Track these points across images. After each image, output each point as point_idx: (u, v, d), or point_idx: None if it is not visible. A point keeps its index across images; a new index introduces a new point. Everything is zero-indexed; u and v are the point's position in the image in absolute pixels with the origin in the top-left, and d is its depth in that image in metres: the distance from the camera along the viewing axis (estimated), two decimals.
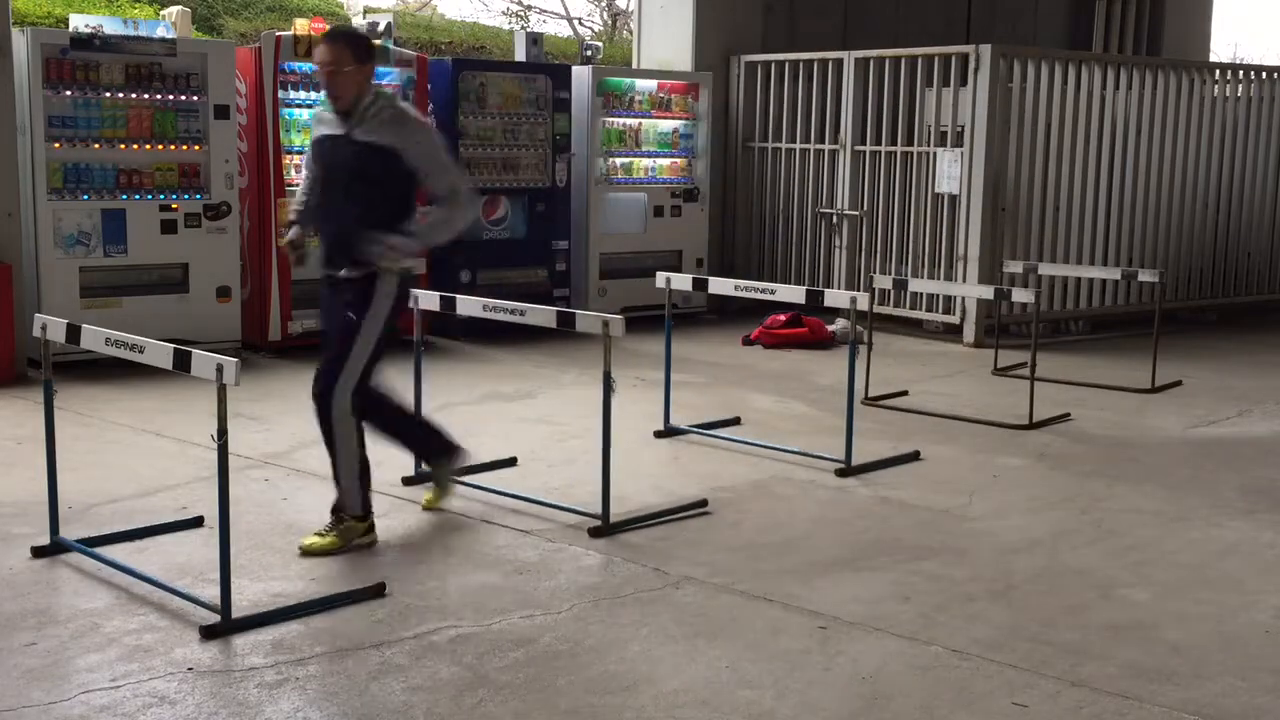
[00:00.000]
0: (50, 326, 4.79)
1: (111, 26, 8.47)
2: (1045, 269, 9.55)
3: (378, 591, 4.57)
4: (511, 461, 6.34)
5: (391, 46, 9.42)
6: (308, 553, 4.96)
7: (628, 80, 11.06)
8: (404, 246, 5.06)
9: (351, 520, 5.08)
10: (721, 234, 11.95)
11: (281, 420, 7.14)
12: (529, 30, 18.58)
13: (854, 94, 10.97)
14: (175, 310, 8.56)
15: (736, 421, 7.38)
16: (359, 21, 9.83)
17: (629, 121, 11.02)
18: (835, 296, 6.65)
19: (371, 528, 5.14)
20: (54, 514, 4.95)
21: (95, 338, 4.60)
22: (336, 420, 5.00)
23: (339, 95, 5.00)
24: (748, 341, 10.12)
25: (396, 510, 5.59)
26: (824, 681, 3.94)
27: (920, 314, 10.69)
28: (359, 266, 4.99)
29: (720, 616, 4.45)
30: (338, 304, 5.06)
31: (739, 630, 4.33)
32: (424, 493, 5.71)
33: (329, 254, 5.09)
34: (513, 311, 5.63)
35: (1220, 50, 25.41)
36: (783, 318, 10.08)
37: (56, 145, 8.23)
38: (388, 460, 6.27)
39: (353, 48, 5.00)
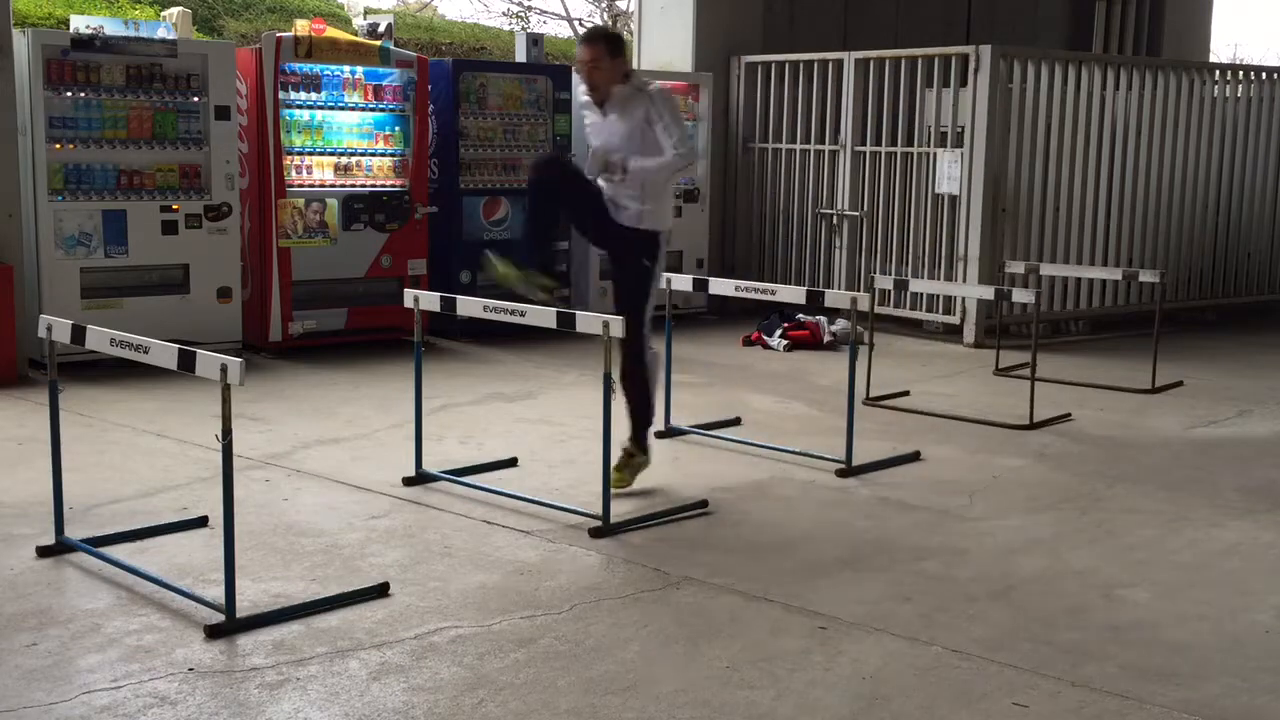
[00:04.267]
0: (55, 327, 4.80)
1: (112, 27, 8.47)
2: (1046, 269, 9.56)
3: (379, 592, 4.58)
4: (512, 462, 6.35)
5: (391, 47, 9.43)
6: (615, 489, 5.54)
7: None
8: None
9: (640, 456, 5.95)
10: (722, 234, 11.96)
11: (282, 421, 7.15)
12: (529, 31, 18.61)
13: (854, 94, 10.98)
14: (176, 311, 8.56)
15: (737, 422, 7.38)
16: (359, 22, 9.82)
17: None
18: (836, 297, 6.66)
19: (648, 460, 5.99)
20: (59, 514, 4.95)
21: (100, 338, 4.61)
22: (648, 356, 5.95)
23: (597, 86, 5.79)
24: (748, 342, 10.13)
25: (397, 510, 5.60)
26: (824, 681, 3.95)
27: (920, 314, 10.69)
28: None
29: (720, 617, 4.45)
30: (624, 253, 6.03)
31: (739, 630, 4.33)
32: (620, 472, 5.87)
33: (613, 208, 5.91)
34: (513, 312, 5.64)
35: (1220, 50, 25.43)
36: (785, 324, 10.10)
37: (57, 146, 8.24)
38: (388, 460, 6.29)
39: (608, 45, 5.81)
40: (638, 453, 5.96)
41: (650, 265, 5.95)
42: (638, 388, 5.92)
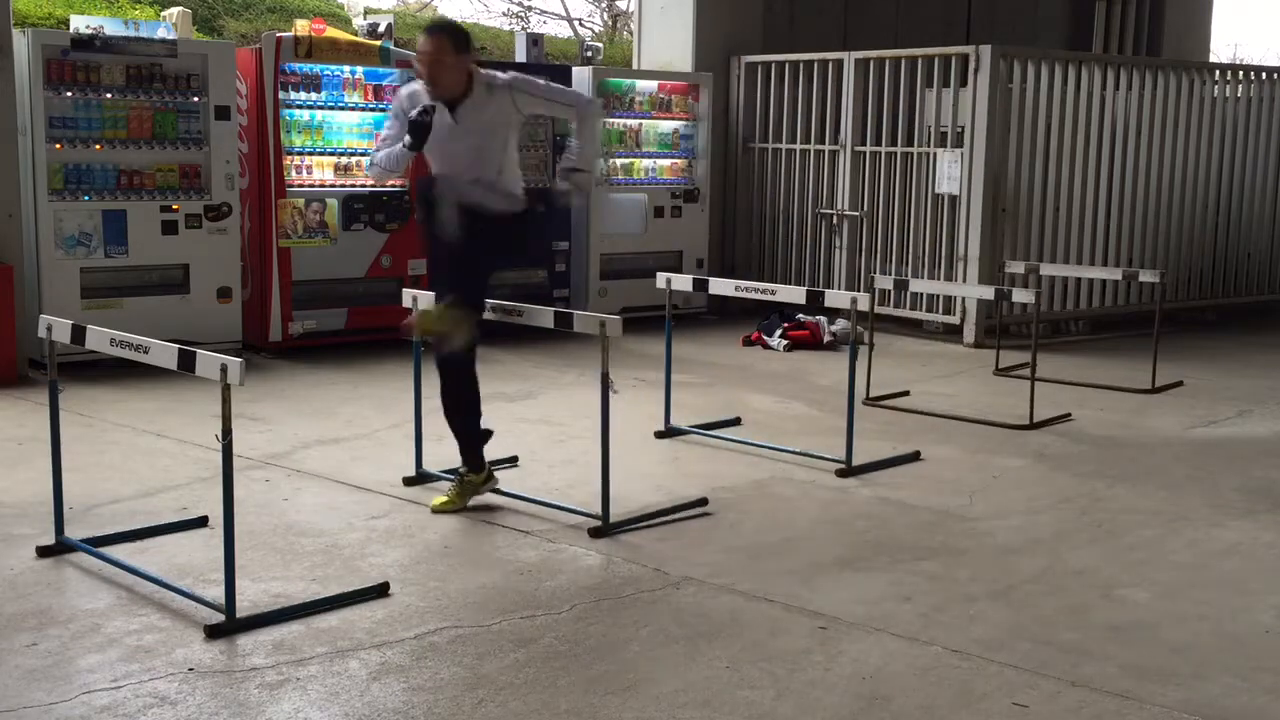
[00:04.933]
0: (55, 327, 4.80)
1: (112, 27, 8.47)
2: (1046, 269, 9.56)
3: (379, 592, 4.58)
4: (512, 461, 6.35)
5: (391, 47, 9.43)
6: (439, 511, 5.50)
7: (628, 81, 11.08)
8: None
9: (472, 475, 5.65)
10: (722, 235, 11.96)
11: (282, 421, 7.15)
12: (529, 31, 18.59)
13: (854, 94, 10.98)
14: (176, 311, 8.56)
15: (737, 422, 7.38)
16: (359, 22, 9.83)
17: (629, 122, 11.03)
18: (836, 297, 6.66)
19: (490, 475, 5.72)
20: (59, 514, 4.96)
21: (100, 338, 4.61)
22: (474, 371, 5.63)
23: (439, 83, 5.35)
24: (748, 342, 10.13)
25: (397, 510, 5.60)
26: (824, 682, 3.95)
27: (920, 314, 10.69)
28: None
29: (720, 617, 4.45)
30: (499, 234, 5.52)
31: (739, 630, 4.33)
32: (440, 496, 5.70)
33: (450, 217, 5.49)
34: (512, 312, 5.64)
35: (1220, 50, 25.40)
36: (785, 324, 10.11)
37: (57, 146, 8.24)
38: (388, 460, 6.29)
39: (452, 38, 5.38)
40: (469, 472, 5.66)
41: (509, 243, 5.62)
42: (465, 396, 5.63)
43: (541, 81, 5.62)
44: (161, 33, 8.62)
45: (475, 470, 5.67)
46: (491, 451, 6.45)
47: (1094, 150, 10.85)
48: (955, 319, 10.39)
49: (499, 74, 5.56)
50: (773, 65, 11.65)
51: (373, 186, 9.34)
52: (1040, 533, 5.48)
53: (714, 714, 3.71)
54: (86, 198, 8.31)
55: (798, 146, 11.49)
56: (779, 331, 10.02)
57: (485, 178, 5.44)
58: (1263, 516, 5.78)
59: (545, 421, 7.31)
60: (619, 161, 10.96)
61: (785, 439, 6.88)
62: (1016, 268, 9.15)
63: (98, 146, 8.37)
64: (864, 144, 11.03)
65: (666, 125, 11.25)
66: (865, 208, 11.05)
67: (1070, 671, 4.03)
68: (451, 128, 5.38)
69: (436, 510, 5.54)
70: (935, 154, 10.45)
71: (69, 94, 8.27)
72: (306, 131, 9.17)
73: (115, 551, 4.90)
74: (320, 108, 9.21)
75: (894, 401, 7.94)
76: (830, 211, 11.27)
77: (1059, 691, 3.89)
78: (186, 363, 4.20)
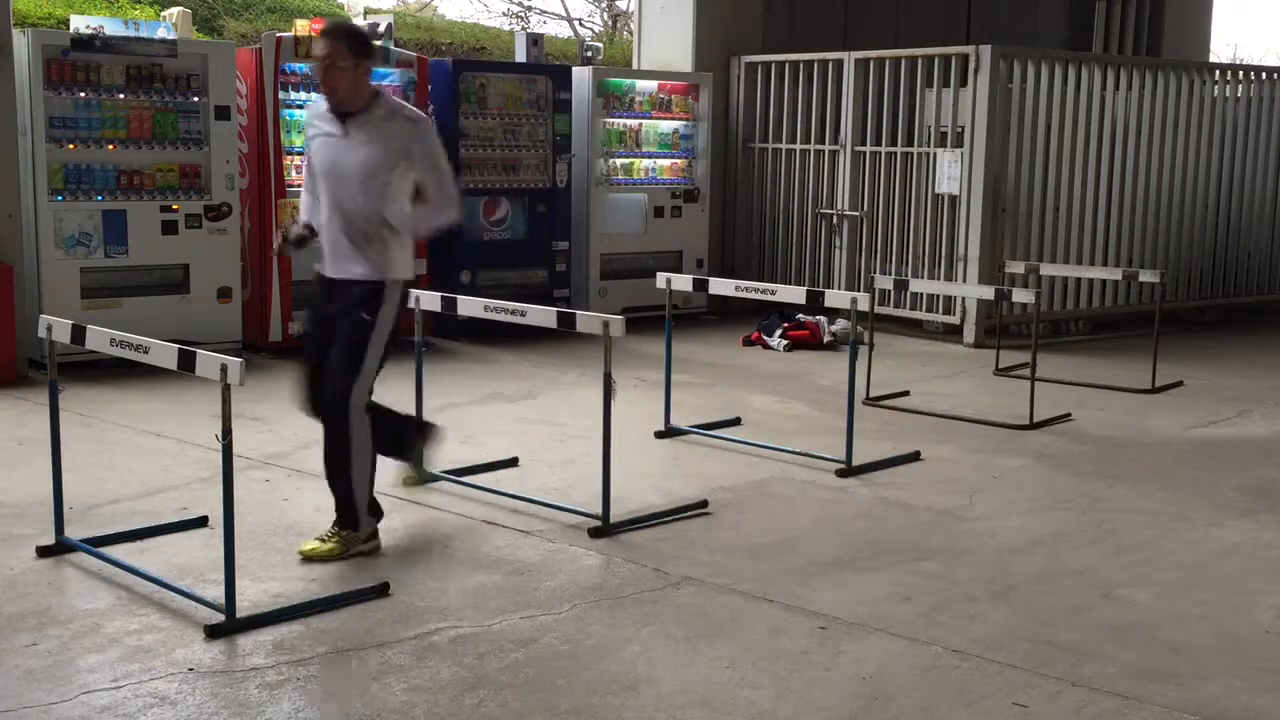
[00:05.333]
0: (55, 327, 4.80)
1: (112, 27, 8.47)
2: (1046, 269, 9.56)
3: (379, 592, 4.57)
4: (513, 462, 6.35)
5: (391, 47, 9.44)
6: (309, 559, 4.91)
7: (628, 81, 11.07)
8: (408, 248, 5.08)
9: (352, 530, 5.00)
10: (722, 235, 11.96)
11: (283, 421, 7.14)
12: (529, 31, 18.61)
13: (854, 94, 10.98)
14: (176, 311, 8.56)
15: (737, 422, 7.38)
16: (360, 22, 9.83)
17: (629, 122, 11.03)
18: (836, 297, 6.66)
19: (375, 534, 5.08)
20: (59, 514, 4.95)
21: (100, 338, 4.61)
22: (356, 424, 4.89)
23: (335, 91, 4.90)
24: (748, 342, 10.13)
25: (397, 510, 5.59)
26: (824, 682, 3.95)
27: (920, 314, 10.69)
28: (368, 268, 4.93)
29: (720, 617, 4.45)
30: (346, 305, 4.95)
31: (739, 630, 4.33)
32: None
33: (334, 255, 5.01)
34: (513, 312, 5.64)
35: (1220, 50, 25.40)
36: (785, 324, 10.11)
37: (58, 146, 8.24)
38: (388, 460, 6.28)
39: (349, 42, 4.89)
40: (345, 527, 4.98)
41: (370, 319, 4.90)
42: (339, 461, 4.96)
43: (443, 152, 5.07)
44: (161, 33, 8.63)
45: (350, 526, 5.00)
46: (492, 451, 6.46)
47: (1094, 150, 10.85)
48: (955, 319, 10.39)
49: (413, 109, 5.21)
50: (773, 65, 11.65)
51: None
52: (1040, 533, 5.48)
53: (714, 714, 3.71)
54: (86, 198, 8.30)
55: (798, 146, 11.49)
56: (779, 331, 10.02)
57: (365, 213, 4.88)
58: (1263, 516, 5.78)
59: (545, 421, 7.31)
60: (619, 161, 10.96)
61: (785, 439, 6.88)
62: (1016, 268, 9.15)
63: (98, 146, 8.36)
64: (864, 144, 11.03)
65: (666, 125, 11.25)
66: (865, 208, 11.05)
67: (1070, 671, 4.03)
68: (341, 142, 4.90)
69: (306, 556, 4.92)
70: (935, 154, 10.45)
71: (69, 94, 8.27)
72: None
73: (115, 551, 4.90)
74: None
75: (894, 401, 7.94)
76: (830, 211, 11.27)
77: (1059, 691, 3.89)
78: (186, 363, 4.21)
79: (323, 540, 4.97)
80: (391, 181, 4.92)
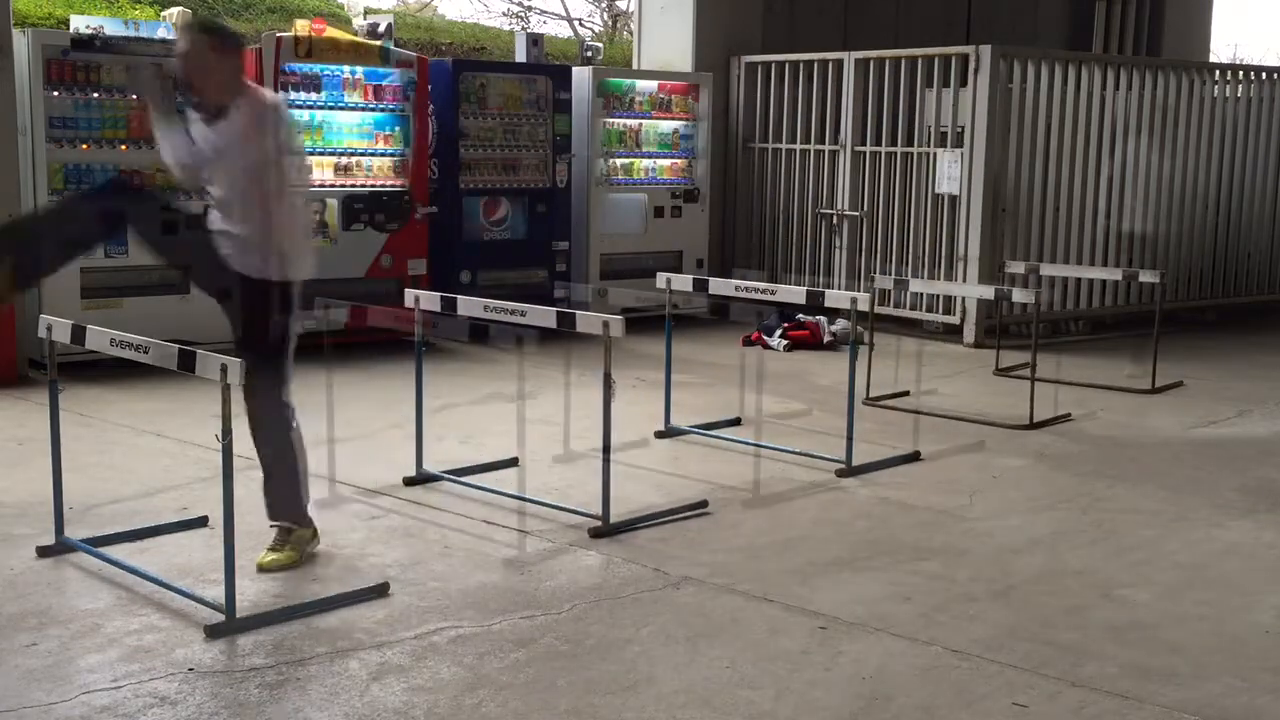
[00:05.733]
0: (55, 327, 4.80)
1: (112, 27, 8.47)
2: (1046, 269, 9.57)
3: (379, 592, 4.58)
4: (513, 462, 6.35)
5: (391, 47, 9.43)
6: (267, 570, 4.77)
7: (628, 81, 11.08)
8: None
9: (300, 529, 4.92)
10: (722, 235, 11.96)
11: None
12: (529, 31, 18.59)
13: (854, 94, 10.98)
14: (175, 311, 8.53)
15: (736, 422, 7.38)
16: (359, 22, 9.82)
17: (629, 122, 11.03)
18: (836, 297, 6.66)
19: (316, 533, 4.99)
20: (59, 514, 4.96)
21: (100, 339, 4.61)
22: (294, 426, 4.87)
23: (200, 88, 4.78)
24: (748, 342, 10.13)
25: (397, 510, 5.60)
26: (824, 681, 3.95)
27: (920, 314, 10.69)
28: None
29: (720, 617, 4.45)
30: (252, 306, 4.92)
31: (739, 630, 4.33)
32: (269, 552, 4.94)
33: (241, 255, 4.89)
34: (513, 312, 5.64)
35: (1220, 50, 25.36)
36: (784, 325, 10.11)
37: (58, 146, 8.23)
38: (388, 460, 6.29)
39: (213, 37, 4.79)
40: (295, 526, 4.91)
41: (283, 318, 4.89)
42: (280, 461, 4.85)
43: (285, 136, 4.89)
44: (161, 33, 8.61)
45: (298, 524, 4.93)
46: (492, 451, 6.46)
47: (1094, 150, 10.85)
48: (955, 319, 10.39)
49: (273, 94, 4.96)
50: (773, 65, 11.65)
51: (373, 186, 9.34)
52: (1040, 533, 5.48)
53: (714, 714, 3.71)
54: None
55: (798, 146, 11.49)
56: (779, 331, 10.02)
57: (239, 212, 4.83)
58: (1263, 516, 5.79)
59: (545, 421, 7.30)
60: (619, 161, 10.96)
61: (785, 439, 6.88)
62: (1016, 268, 9.15)
63: (98, 146, 8.35)
64: (864, 144, 11.03)
65: (666, 125, 11.25)
66: (865, 208, 11.05)
67: (1070, 671, 4.03)
68: (209, 142, 4.82)
69: (264, 568, 4.78)
70: (935, 154, 10.45)
71: (69, 94, 8.27)
72: (306, 131, 9.16)
73: (115, 551, 4.90)
74: (320, 108, 9.20)
75: (894, 401, 7.94)
76: (830, 211, 11.27)
77: (1059, 691, 3.89)
78: (186, 363, 4.21)
79: (276, 549, 4.87)
80: (255, 189, 4.80)
